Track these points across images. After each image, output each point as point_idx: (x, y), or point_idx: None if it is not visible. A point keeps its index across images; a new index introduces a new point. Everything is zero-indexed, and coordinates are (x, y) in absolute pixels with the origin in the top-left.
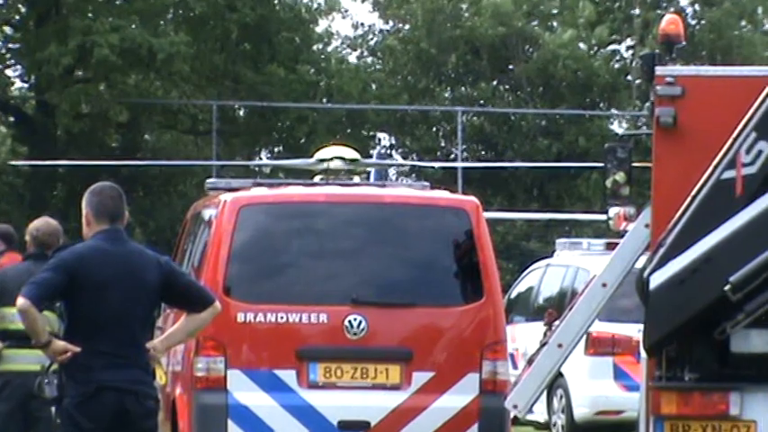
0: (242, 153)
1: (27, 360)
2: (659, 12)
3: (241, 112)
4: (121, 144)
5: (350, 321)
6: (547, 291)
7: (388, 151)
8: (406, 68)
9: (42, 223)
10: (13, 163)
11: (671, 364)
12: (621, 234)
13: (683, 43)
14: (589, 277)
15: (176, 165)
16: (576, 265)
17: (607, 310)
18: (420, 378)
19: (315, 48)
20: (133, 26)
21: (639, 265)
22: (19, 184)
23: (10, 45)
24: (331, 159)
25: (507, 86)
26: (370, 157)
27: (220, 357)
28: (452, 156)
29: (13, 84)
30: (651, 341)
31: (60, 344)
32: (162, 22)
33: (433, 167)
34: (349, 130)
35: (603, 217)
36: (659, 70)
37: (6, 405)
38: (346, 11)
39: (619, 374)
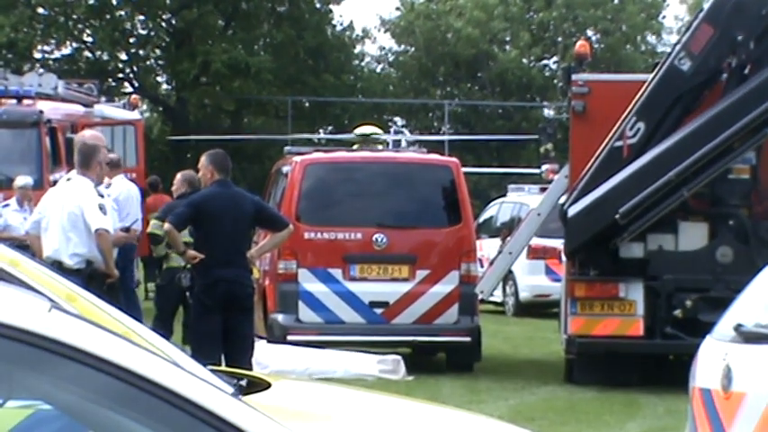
0: (307, 130)
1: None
2: (574, 39)
3: (306, 105)
4: (230, 125)
5: (376, 238)
6: (502, 218)
7: (401, 129)
8: (412, 75)
9: (194, 174)
10: (164, 137)
11: (581, 265)
12: (550, 182)
13: (590, 59)
14: (529, 210)
15: (264, 138)
16: (520, 202)
17: (541, 230)
18: (421, 274)
19: (354, 63)
20: (237, 49)
21: (561, 201)
22: (166, 150)
23: (159, 62)
24: (366, 135)
25: (477, 87)
26: (389, 133)
27: (294, 261)
28: (442, 131)
29: (161, 85)
30: (569, 250)
31: (192, 252)
32: (255, 47)
33: (429, 139)
34: (375, 116)
35: (538, 171)
36: (574, 77)
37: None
38: (375, 38)
39: (548, 271)
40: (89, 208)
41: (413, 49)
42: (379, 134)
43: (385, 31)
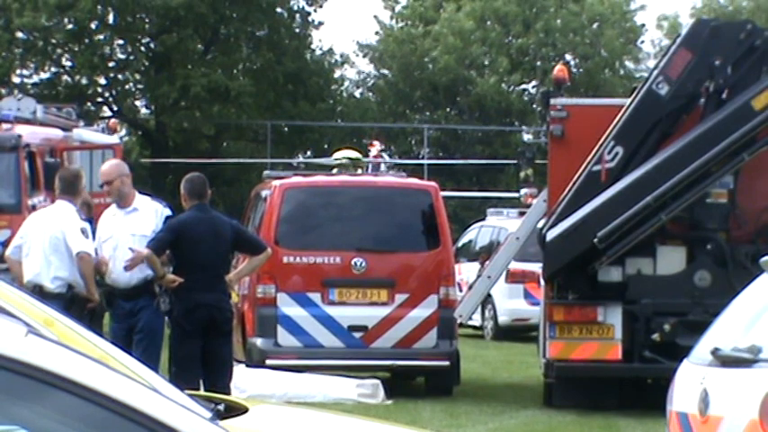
0: (286, 155)
1: None
2: (553, 63)
3: (286, 129)
4: (209, 149)
5: (355, 262)
6: (481, 242)
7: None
8: (390, 100)
9: (88, 198)
10: (141, 161)
11: (560, 288)
12: (529, 206)
13: (568, 84)
14: (508, 234)
15: (244, 162)
16: (499, 226)
17: (519, 254)
18: (400, 298)
19: (332, 87)
20: (217, 73)
21: (540, 225)
22: (144, 174)
23: (138, 86)
24: (343, 159)
25: (456, 112)
26: (368, 157)
27: (272, 285)
28: (421, 156)
29: (140, 110)
30: (547, 274)
31: (171, 277)
32: (235, 71)
33: (408, 163)
34: (354, 140)
35: (517, 195)
36: (553, 101)
37: None
38: (353, 62)
39: (527, 295)
40: (71, 231)
41: (390, 74)
42: (358, 158)
43: (363, 56)
